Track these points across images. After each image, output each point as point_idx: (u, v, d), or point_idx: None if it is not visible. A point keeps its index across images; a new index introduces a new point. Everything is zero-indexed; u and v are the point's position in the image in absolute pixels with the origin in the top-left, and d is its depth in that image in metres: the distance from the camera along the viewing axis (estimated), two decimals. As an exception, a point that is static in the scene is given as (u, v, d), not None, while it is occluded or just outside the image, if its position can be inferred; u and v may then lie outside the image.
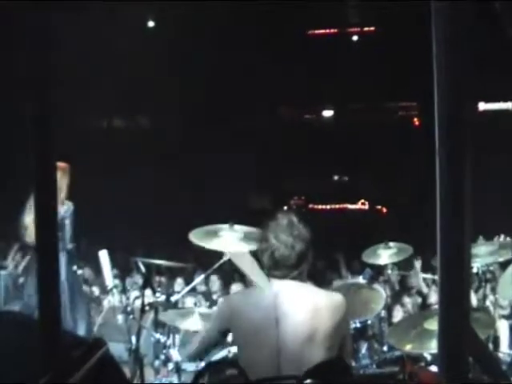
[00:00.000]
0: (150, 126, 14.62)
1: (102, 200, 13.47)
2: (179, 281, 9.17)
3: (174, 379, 4.99)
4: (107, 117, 14.06)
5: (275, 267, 2.86)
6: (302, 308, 2.79)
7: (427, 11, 1.73)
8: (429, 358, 4.26)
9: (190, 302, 7.71)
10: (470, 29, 1.76)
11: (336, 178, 18.25)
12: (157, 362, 5.17)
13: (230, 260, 5.14)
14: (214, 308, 7.63)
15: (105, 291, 8.57)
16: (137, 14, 12.90)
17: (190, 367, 4.91)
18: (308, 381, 1.98)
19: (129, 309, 5.11)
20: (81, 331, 6.11)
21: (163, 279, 9.31)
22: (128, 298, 7.99)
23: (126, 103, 13.88)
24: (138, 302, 7.37)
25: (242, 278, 9.76)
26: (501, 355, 5.37)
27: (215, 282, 9.01)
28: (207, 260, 10.96)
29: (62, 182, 6.11)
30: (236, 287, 8.85)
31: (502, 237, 5.08)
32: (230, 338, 3.16)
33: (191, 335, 5.61)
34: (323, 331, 2.74)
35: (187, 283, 7.86)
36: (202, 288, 9.13)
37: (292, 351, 2.71)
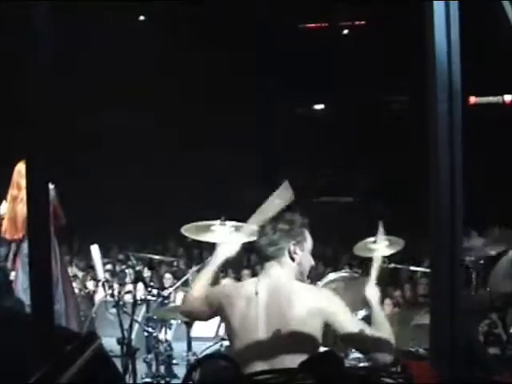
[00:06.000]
0: (147, 125, 14.60)
1: (97, 197, 13.44)
2: (167, 276, 9.17)
3: (166, 373, 4.99)
4: (104, 114, 14.02)
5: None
6: (284, 299, 2.85)
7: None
8: (421, 351, 4.27)
9: (181, 295, 7.70)
10: (462, 24, 1.76)
11: (327, 171, 18.24)
12: (149, 356, 5.17)
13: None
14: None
15: (96, 285, 8.55)
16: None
17: (183, 361, 4.92)
18: (300, 374, 1.99)
19: (121, 303, 5.09)
20: (73, 325, 6.08)
21: (154, 273, 9.28)
22: (120, 292, 7.99)
23: (122, 100, 13.84)
24: (130, 296, 7.39)
25: (234, 273, 9.77)
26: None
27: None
28: (198, 254, 10.99)
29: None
30: (227, 282, 8.85)
31: (497, 229, 5.06)
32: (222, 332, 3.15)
33: (183, 330, 5.61)
34: (301, 319, 2.79)
35: (178, 278, 7.86)
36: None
37: (277, 343, 2.76)
